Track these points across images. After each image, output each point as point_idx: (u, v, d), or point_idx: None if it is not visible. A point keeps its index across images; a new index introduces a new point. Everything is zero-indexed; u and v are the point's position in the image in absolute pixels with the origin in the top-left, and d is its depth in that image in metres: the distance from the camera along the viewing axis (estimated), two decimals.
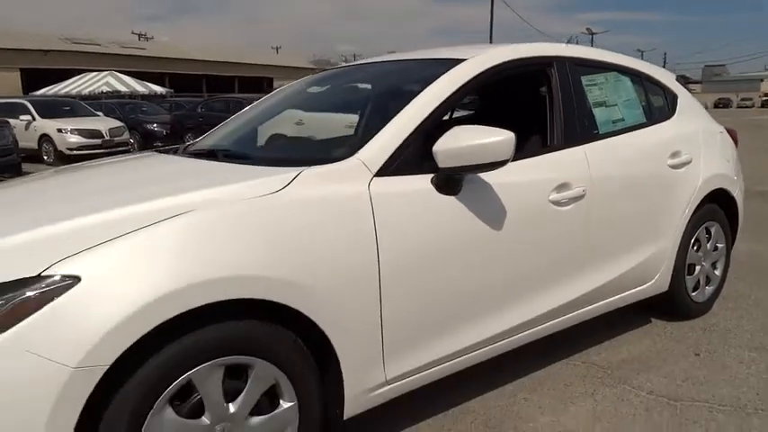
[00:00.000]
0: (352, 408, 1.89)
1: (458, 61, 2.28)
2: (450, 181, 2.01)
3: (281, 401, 1.73)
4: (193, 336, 1.52)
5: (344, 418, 1.89)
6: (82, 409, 1.37)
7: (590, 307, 2.61)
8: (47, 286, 1.37)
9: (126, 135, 14.64)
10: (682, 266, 3.04)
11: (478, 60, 2.30)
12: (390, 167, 1.93)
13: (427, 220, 1.96)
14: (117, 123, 14.55)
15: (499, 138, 1.92)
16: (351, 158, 1.90)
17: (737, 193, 3.34)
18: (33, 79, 33.51)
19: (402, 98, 2.12)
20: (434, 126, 2.05)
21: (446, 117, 2.62)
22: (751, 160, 10.11)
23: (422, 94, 2.11)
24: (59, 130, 13.45)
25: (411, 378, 2.02)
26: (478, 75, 2.24)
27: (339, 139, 2.67)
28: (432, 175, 2.00)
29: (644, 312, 3.25)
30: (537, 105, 2.64)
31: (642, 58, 4.03)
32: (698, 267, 3.19)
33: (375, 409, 1.99)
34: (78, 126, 13.66)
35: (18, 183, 2.40)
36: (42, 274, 1.38)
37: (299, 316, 1.69)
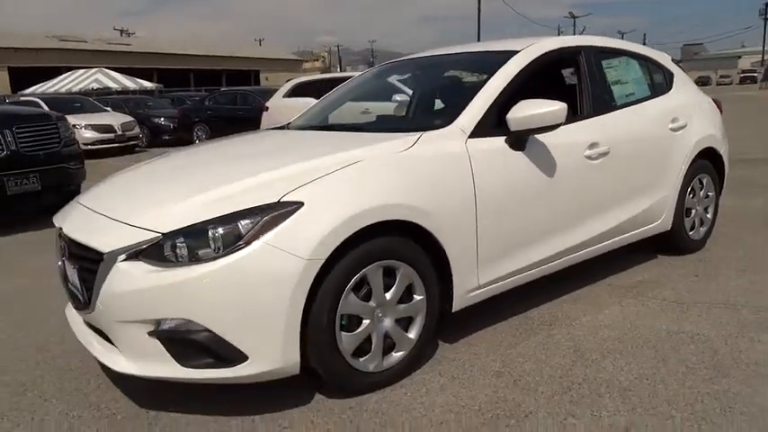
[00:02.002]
0: (458, 304, 2.63)
1: (515, 52, 3.02)
2: (519, 140, 2.75)
3: (414, 295, 2.46)
4: (369, 244, 2.24)
5: (453, 311, 2.64)
6: (309, 286, 2.09)
7: (615, 239, 3.38)
8: (284, 208, 2.09)
9: (136, 129, 15.14)
10: (681, 210, 3.82)
11: (530, 51, 3.05)
12: (478, 131, 2.67)
13: (504, 168, 2.71)
14: (128, 118, 15.04)
15: (555, 107, 2.66)
16: (452, 125, 2.65)
17: (723, 152, 4.13)
18: (21, 77, 33.66)
19: (479, 81, 2.86)
20: (505, 100, 2.79)
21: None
22: (735, 132, 10.98)
23: (494, 77, 2.85)
24: (74, 126, 13.88)
25: (494, 285, 2.77)
26: (532, 61, 3.00)
27: (439, 112, 3.42)
28: (505, 136, 2.74)
29: (652, 251, 4.03)
30: (571, 83, 3.40)
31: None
32: (693, 211, 3.97)
33: (463, 314, 2.73)
34: (92, 122, 14.13)
35: (211, 146, 3.14)
36: (281, 201, 2.11)
37: (423, 233, 2.42)
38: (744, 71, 67.40)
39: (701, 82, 61.93)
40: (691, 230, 3.98)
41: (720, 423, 2.09)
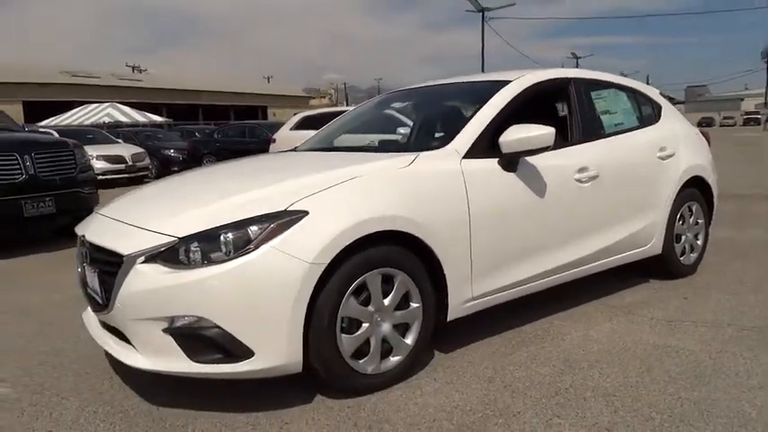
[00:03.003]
0: (452, 314, 2.78)
1: (507, 82, 3.24)
2: (511, 162, 2.95)
3: (410, 303, 2.62)
4: (369, 252, 2.42)
5: (447, 320, 2.78)
6: (312, 288, 2.26)
7: (606, 260, 3.54)
8: (290, 215, 2.28)
9: (147, 161, 15.49)
10: (671, 235, 3.98)
11: (522, 81, 3.27)
12: (472, 153, 2.86)
13: (497, 188, 2.89)
14: (138, 150, 15.41)
15: (544, 131, 2.86)
16: (447, 146, 2.85)
17: (712, 181, 4.30)
18: (34, 111, 34.42)
19: (474, 107, 3.08)
20: (498, 125, 2.99)
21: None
22: (730, 170, 11.21)
23: (487, 104, 3.07)
24: None
25: (488, 297, 2.92)
26: (523, 91, 3.22)
27: (436, 136, 3.63)
28: (498, 158, 2.93)
29: (643, 275, 4.17)
30: (562, 112, 3.61)
31: None
32: (683, 237, 4.13)
33: (459, 327, 2.88)
34: (104, 152, 14.48)
35: (224, 165, 3.35)
36: (287, 209, 2.29)
37: (420, 245, 2.58)
38: (747, 113, 68.00)
39: (705, 123, 62.20)
40: (681, 256, 4.13)
41: (698, 425, 2.21)
